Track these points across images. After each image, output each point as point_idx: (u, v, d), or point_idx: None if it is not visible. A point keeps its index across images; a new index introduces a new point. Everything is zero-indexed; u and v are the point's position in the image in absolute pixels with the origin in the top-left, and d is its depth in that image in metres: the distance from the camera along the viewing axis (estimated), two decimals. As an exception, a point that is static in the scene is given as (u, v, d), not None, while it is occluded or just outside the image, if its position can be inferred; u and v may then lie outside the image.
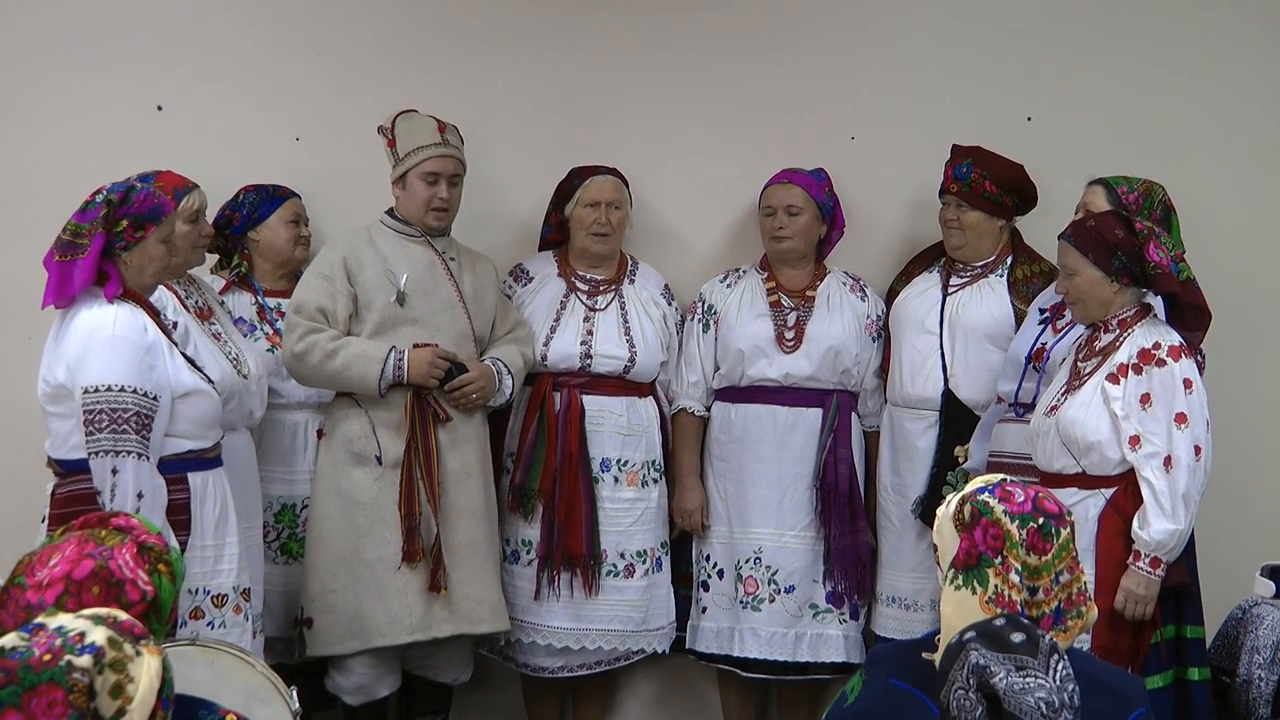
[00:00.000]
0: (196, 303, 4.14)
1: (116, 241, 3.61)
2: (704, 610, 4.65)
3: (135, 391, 3.53)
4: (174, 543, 3.55)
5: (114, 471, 3.50)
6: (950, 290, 4.59)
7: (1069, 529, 2.62)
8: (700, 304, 4.73)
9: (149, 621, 2.37)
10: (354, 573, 4.27)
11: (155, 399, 3.57)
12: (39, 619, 2.15)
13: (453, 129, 4.45)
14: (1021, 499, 2.60)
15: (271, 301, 4.55)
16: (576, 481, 4.50)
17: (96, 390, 3.52)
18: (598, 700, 4.84)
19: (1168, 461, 3.77)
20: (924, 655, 2.55)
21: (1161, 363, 3.81)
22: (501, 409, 4.54)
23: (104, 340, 3.54)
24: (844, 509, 4.56)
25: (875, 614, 4.65)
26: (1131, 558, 3.80)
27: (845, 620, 4.60)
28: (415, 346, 4.30)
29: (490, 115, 4.76)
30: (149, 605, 2.38)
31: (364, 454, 4.30)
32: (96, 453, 3.51)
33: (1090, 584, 3.35)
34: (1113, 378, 3.84)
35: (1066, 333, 4.22)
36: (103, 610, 2.19)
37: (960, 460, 4.44)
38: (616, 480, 4.57)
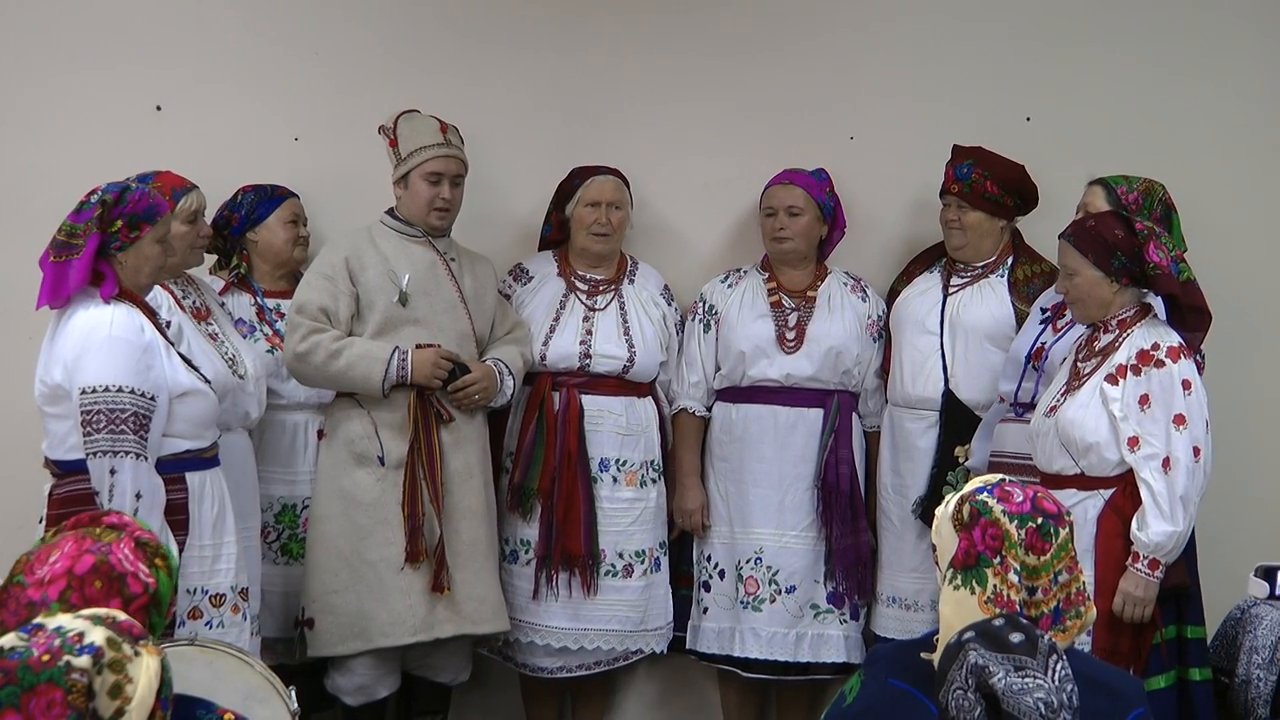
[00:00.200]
0: (194, 303, 4.14)
1: (111, 242, 3.61)
2: (705, 610, 4.65)
3: (133, 392, 3.53)
4: (171, 543, 3.56)
5: (112, 472, 3.50)
6: (951, 290, 4.59)
7: (1068, 529, 2.62)
8: (701, 304, 4.73)
9: (149, 615, 2.37)
10: (356, 573, 4.27)
11: (153, 399, 3.57)
12: (38, 619, 2.16)
13: (454, 129, 4.45)
14: (1020, 499, 2.60)
15: (271, 302, 4.55)
16: (575, 481, 4.50)
17: (94, 391, 3.52)
18: (597, 700, 4.84)
19: (1166, 463, 3.76)
20: (922, 655, 2.55)
21: (1160, 364, 3.80)
22: (500, 409, 4.54)
23: (101, 340, 3.54)
24: (845, 509, 4.56)
25: (876, 614, 4.65)
26: (1130, 559, 3.79)
27: (846, 620, 4.61)
28: (418, 347, 4.30)
29: (490, 115, 4.76)
30: (150, 598, 2.39)
31: (366, 454, 4.30)
32: (94, 453, 3.51)
33: (1089, 585, 3.35)
34: (1111, 379, 3.83)
35: (1066, 332, 4.22)
36: (102, 610, 2.19)
37: (961, 460, 4.44)
38: (615, 480, 4.57)
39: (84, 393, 3.53)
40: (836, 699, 2.69)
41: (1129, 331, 3.87)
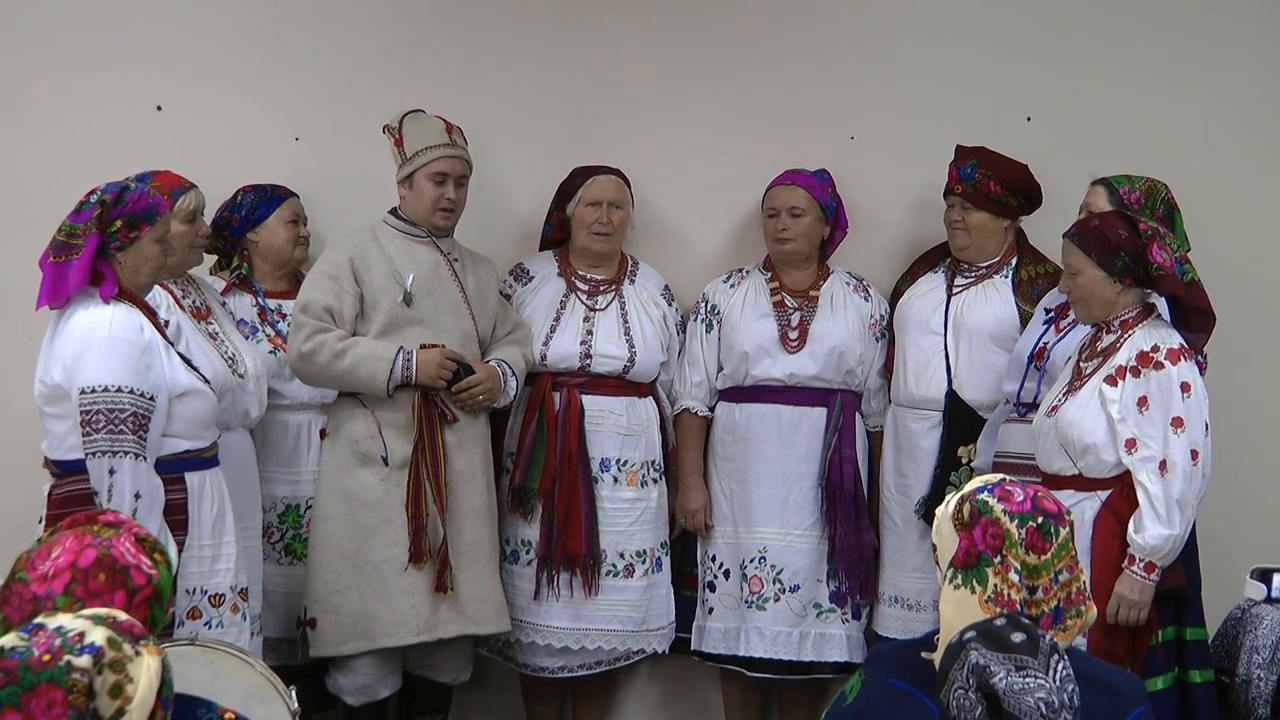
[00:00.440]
0: (194, 302, 4.14)
1: (111, 242, 3.61)
2: (710, 611, 4.65)
3: (132, 392, 3.53)
4: (170, 543, 3.56)
5: (111, 472, 3.50)
6: (955, 291, 4.59)
7: (1068, 528, 2.62)
8: (703, 304, 4.73)
9: (151, 609, 2.38)
10: (359, 573, 4.27)
11: (152, 399, 3.57)
12: (39, 619, 2.16)
13: (459, 130, 4.45)
14: (1020, 498, 2.60)
15: (272, 303, 4.55)
16: (576, 481, 4.50)
17: (93, 391, 3.52)
18: (597, 700, 4.84)
19: (1163, 466, 3.75)
20: (923, 655, 2.56)
21: (1159, 366, 3.78)
22: (501, 409, 4.54)
23: (100, 341, 3.54)
24: (849, 508, 4.56)
25: (878, 614, 4.65)
26: (1126, 562, 3.78)
27: (848, 620, 4.61)
28: (423, 347, 4.30)
29: (491, 115, 4.76)
30: (154, 589, 2.39)
31: (370, 454, 4.30)
32: (93, 453, 3.51)
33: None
34: (1110, 380, 3.82)
35: (1068, 332, 4.22)
36: (102, 610, 2.19)
37: (964, 461, 4.44)
38: (616, 480, 4.57)
39: (83, 393, 3.53)
40: (837, 698, 2.69)
41: (1130, 332, 3.86)
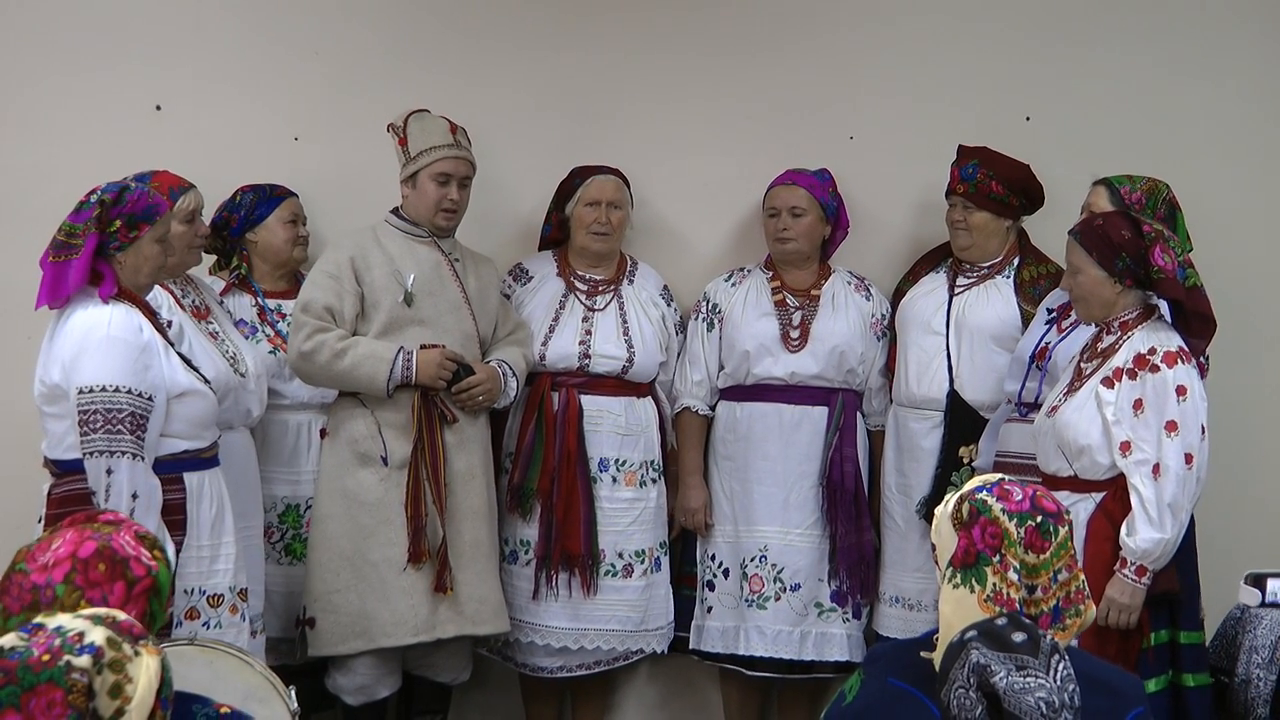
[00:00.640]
0: (194, 302, 4.14)
1: (110, 242, 3.61)
2: (709, 610, 4.65)
3: (130, 392, 3.53)
4: (168, 544, 3.55)
5: (109, 472, 3.50)
6: (957, 291, 4.59)
7: (1067, 527, 2.62)
8: (705, 303, 4.73)
9: (150, 602, 2.38)
10: (358, 573, 4.27)
11: (150, 399, 3.57)
12: (38, 619, 2.16)
13: (463, 131, 4.45)
14: (1019, 497, 2.60)
15: (271, 303, 4.55)
16: (574, 481, 4.50)
17: (91, 390, 3.52)
18: (596, 700, 4.84)
19: (1156, 469, 3.73)
20: (922, 654, 2.56)
21: (1155, 369, 3.76)
22: (500, 410, 4.54)
23: (99, 340, 3.54)
24: (850, 508, 4.56)
25: (879, 614, 4.65)
26: (1118, 565, 3.76)
27: (849, 619, 4.61)
28: (423, 347, 4.30)
29: (491, 115, 4.76)
30: (153, 581, 2.40)
31: (370, 454, 4.30)
32: (91, 453, 3.51)
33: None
34: (1107, 382, 3.81)
35: (1070, 332, 4.21)
36: (102, 610, 2.19)
37: (965, 461, 4.44)
38: (615, 480, 4.57)
39: (81, 393, 3.53)
40: (836, 698, 2.69)
41: (1129, 334, 3.84)
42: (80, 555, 2.36)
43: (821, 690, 4.75)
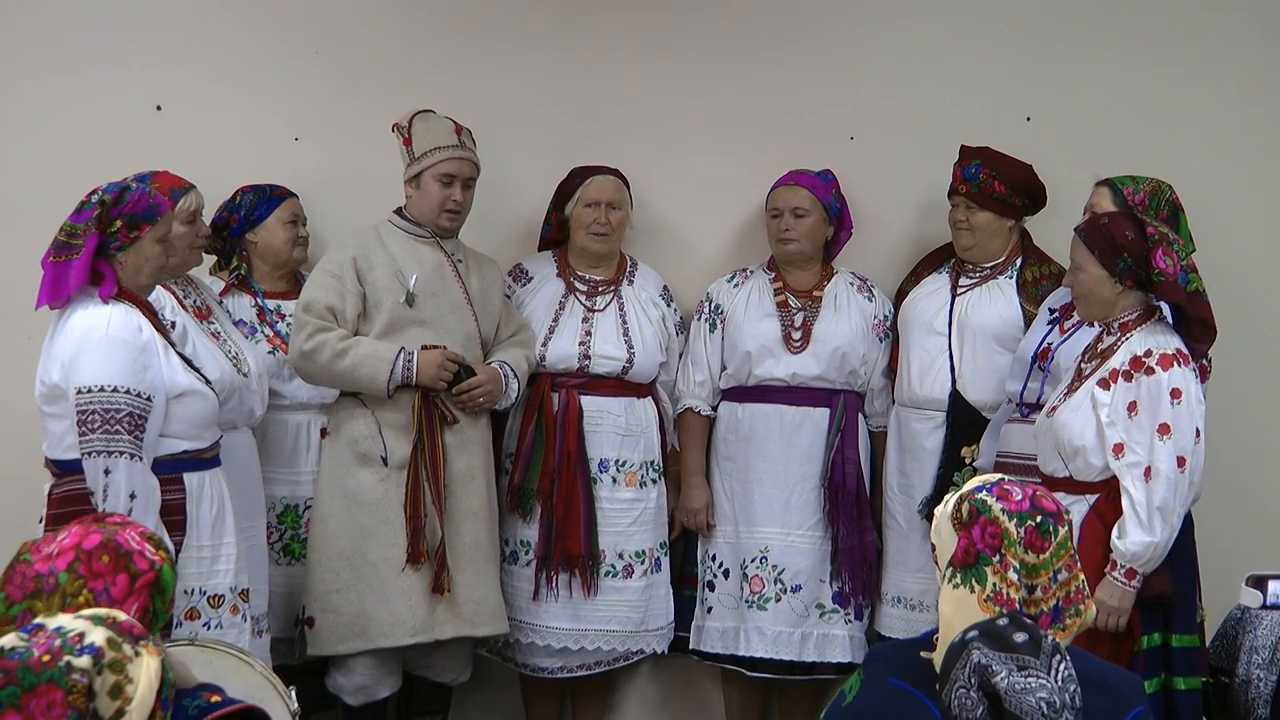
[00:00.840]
0: (195, 302, 4.14)
1: (111, 242, 3.61)
2: (709, 610, 4.65)
3: (128, 392, 3.53)
4: (167, 544, 3.56)
5: (106, 472, 3.50)
6: (959, 291, 4.59)
7: (1067, 527, 2.62)
8: (707, 303, 4.73)
9: (152, 598, 2.38)
10: (357, 573, 4.27)
11: (149, 399, 3.57)
12: (38, 620, 2.16)
13: (468, 132, 4.45)
14: (1019, 497, 2.60)
15: (271, 303, 4.55)
16: (575, 482, 4.50)
17: (89, 391, 3.52)
18: (597, 700, 4.85)
19: (1148, 472, 3.71)
20: (922, 654, 2.56)
21: (1150, 371, 3.74)
22: (501, 411, 4.54)
23: (97, 341, 3.54)
24: (851, 509, 4.56)
25: (881, 614, 4.65)
26: (1108, 567, 3.74)
27: (850, 620, 4.60)
28: (424, 348, 4.30)
29: (491, 115, 4.75)
30: (157, 576, 2.40)
31: (370, 454, 4.30)
32: (89, 453, 3.51)
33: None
34: (1104, 383, 3.79)
35: (1073, 333, 4.20)
36: (102, 611, 2.19)
37: (967, 461, 4.44)
38: (615, 481, 4.57)
39: (80, 393, 3.53)
40: (836, 698, 2.69)
41: (1128, 335, 3.83)
42: (85, 547, 2.38)
43: (822, 691, 4.74)
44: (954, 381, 4.52)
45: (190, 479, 3.71)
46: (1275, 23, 4.99)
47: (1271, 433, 4.98)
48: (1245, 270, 4.89)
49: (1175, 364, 3.75)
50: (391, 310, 4.33)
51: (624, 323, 4.63)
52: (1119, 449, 3.75)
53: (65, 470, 3.62)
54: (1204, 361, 4.03)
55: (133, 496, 3.51)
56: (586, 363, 4.57)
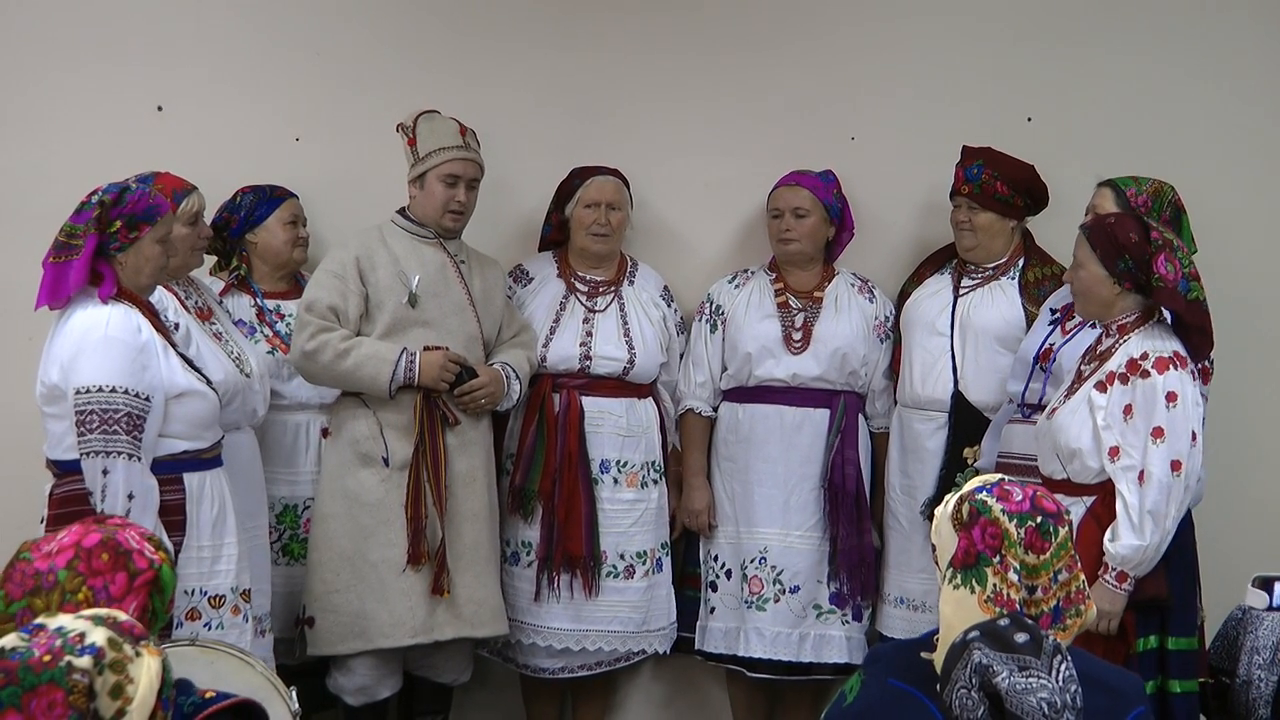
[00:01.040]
0: (196, 303, 4.14)
1: (111, 242, 3.61)
2: (712, 610, 4.65)
3: (126, 392, 3.53)
4: (168, 543, 3.56)
5: (105, 472, 3.50)
6: (962, 292, 4.59)
7: (1067, 528, 2.62)
8: (708, 304, 4.73)
9: (151, 597, 2.39)
10: (358, 573, 4.27)
11: (147, 399, 3.57)
12: (39, 620, 2.16)
13: (472, 132, 4.45)
14: (1019, 498, 2.60)
15: (270, 303, 4.55)
16: (576, 483, 4.50)
17: (88, 391, 3.52)
18: (598, 700, 4.85)
19: (1141, 476, 3.69)
20: (922, 655, 2.56)
21: (1146, 374, 3.72)
22: (502, 411, 4.54)
23: (96, 341, 3.54)
24: (850, 510, 4.56)
25: (883, 614, 4.65)
26: (1101, 570, 3.72)
27: (848, 621, 4.60)
28: (426, 349, 4.30)
29: (492, 115, 4.75)
30: (156, 575, 2.40)
31: (371, 455, 4.30)
32: (88, 453, 3.51)
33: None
34: (1100, 386, 3.78)
35: (1075, 334, 4.20)
36: (103, 611, 2.20)
37: (969, 461, 4.43)
38: (616, 481, 4.57)
39: (78, 393, 3.53)
40: (837, 698, 2.69)
41: (1126, 338, 3.81)
42: (84, 545, 2.39)
43: (823, 691, 4.74)
44: (956, 382, 4.52)
45: (190, 479, 3.71)
46: (1275, 23, 4.99)
47: (1271, 433, 4.98)
48: (1245, 270, 4.88)
49: (1171, 367, 3.73)
50: (394, 311, 4.33)
51: (625, 323, 4.63)
52: (1114, 452, 3.74)
53: (66, 471, 3.62)
54: (1206, 364, 4.02)
55: (130, 497, 3.51)
56: (587, 363, 4.57)
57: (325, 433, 4.45)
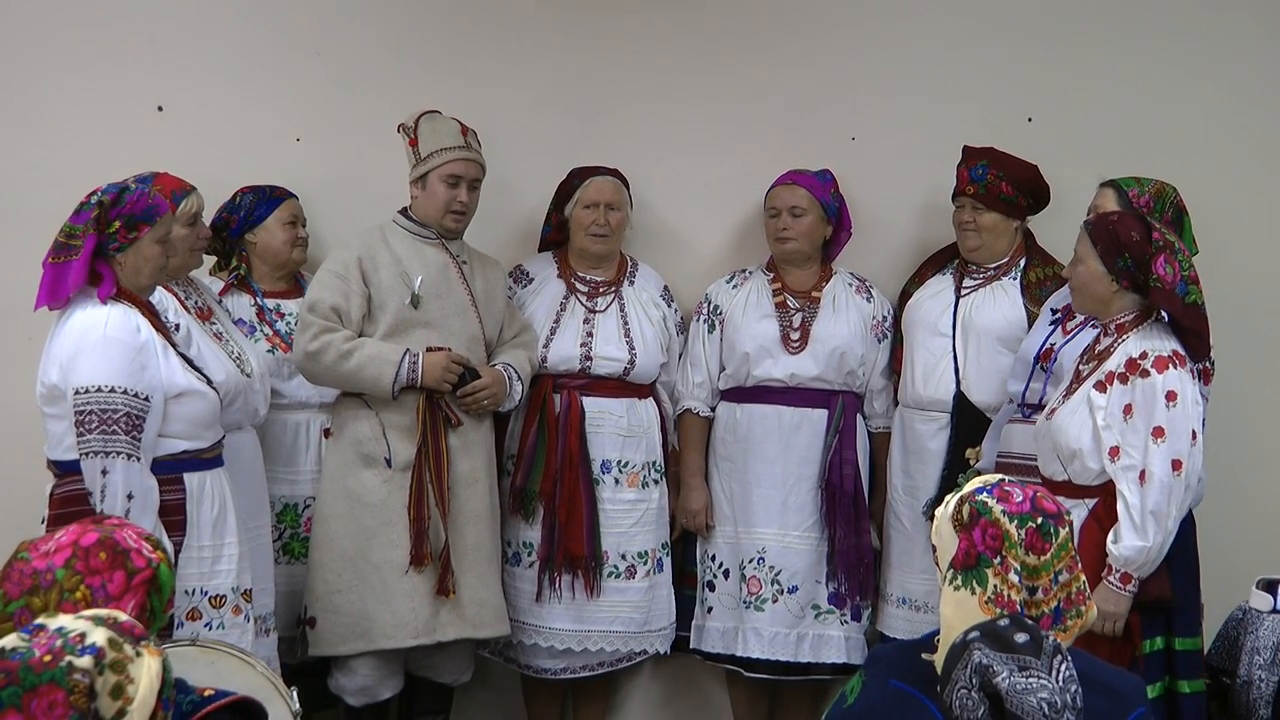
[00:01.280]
0: (196, 303, 4.14)
1: (110, 243, 3.61)
2: (710, 610, 4.65)
3: (125, 392, 3.53)
4: (166, 544, 3.56)
5: (104, 472, 3.50)
6: (963, 292, 4.59)
7: (1068, 528, 2.62)
8: (706, 304, 4.73)
9: (149, 596, 2.39)
10: (360, 574, 4.27)
11: (146, 399, 3.57)
12: (39, 620, 2.16)
13: (474, 133, 4.45)
14: (1020, 499, 2.60)
15: (270, 303, 4.55)
16: (577, 483, 4.50)
17: (87, 391, 3.52)
18: (598, 700, 4.85)
19: (1142, 476, 3.69)
20: (923, 656, 2.56)
21: (1145, 374, 3.71)
22: (503, 412, 4.54)
23: (95, 341, 3.54)
24: (848, 510, 4.56)
25: (885, 615, 4.64)
26: (1104, 571, 3.71)
27: (846, 621, 4.60)
28: (429, 350, 4.30)
29: (492, 115, 4.75)
30: (154, 574, 2.40)
31: (373, 456, 4.30)
32: (87, 453, 3.52)
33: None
34: (1100, 386, 3.77)
35: (1076, 334, 4.19)
36: (103, 611, 2.20)
37: (971, 462, 4.43)
38: (617, 482, 4.57)
39: (77, 393, 3.53)
40: (838, 699, 2.69)
41: (1125, 337, 3.81)
42: (82, 544, 2.39)
43: (822, 692, 4.75)
44: (958, 383, 4.52)
45: (191, 479, 3.71)
46: (1275, 23, 4.98)
47: (1271, 433, 4.98)
48: (1245, 270, 4.88)
49: (1171, 366, 3.72)
50: (396, 311, 4.33)
51: (625, 323, 4.63)
52: (1115, 452, 3.73)
53: (66, 471, 3.62)
54: (1206, 364, 4.02)
55: (130, 497, 3.51)
56: (588, 364, 4.57)
57: (327, 433, 4.45)
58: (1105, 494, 3.77)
